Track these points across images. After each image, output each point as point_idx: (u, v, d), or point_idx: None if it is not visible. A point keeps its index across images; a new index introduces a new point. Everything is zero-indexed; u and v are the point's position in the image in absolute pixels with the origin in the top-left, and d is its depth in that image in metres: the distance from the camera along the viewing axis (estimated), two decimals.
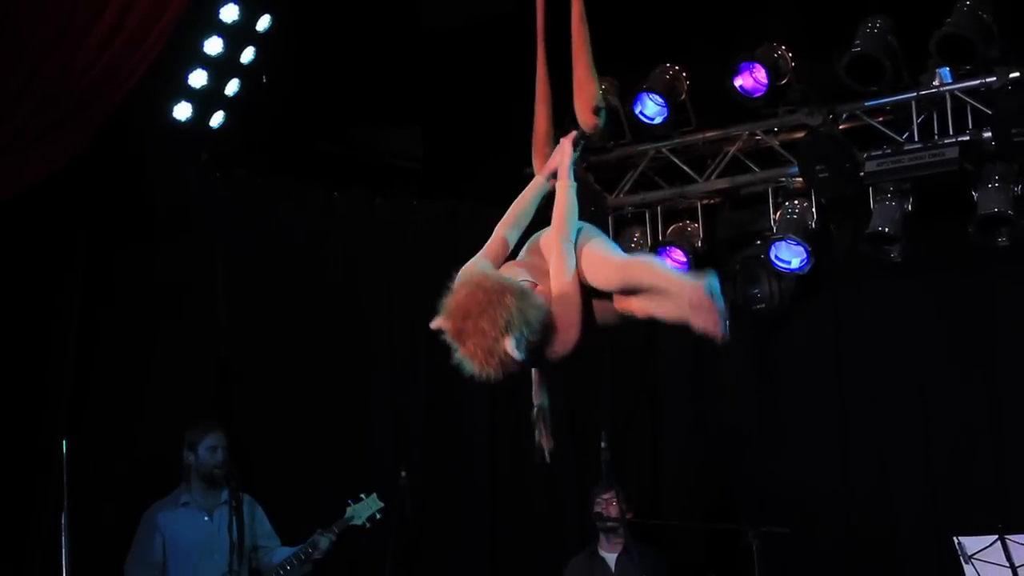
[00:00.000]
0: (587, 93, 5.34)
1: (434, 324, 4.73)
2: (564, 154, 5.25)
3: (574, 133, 5.34)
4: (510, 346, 4.58)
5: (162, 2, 7.57)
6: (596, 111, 5.35)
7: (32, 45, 7.18)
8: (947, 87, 8.70)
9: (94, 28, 7.35)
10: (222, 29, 8.72)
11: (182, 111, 8.73)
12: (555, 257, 4.94)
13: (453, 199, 10.13)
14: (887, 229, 8.97)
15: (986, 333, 9.23)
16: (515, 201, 5.32)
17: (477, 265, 4.95)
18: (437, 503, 9.47)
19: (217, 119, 8.93)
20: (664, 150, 9.83)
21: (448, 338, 4.69)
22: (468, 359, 4.65)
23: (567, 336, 4.85)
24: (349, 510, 8.05)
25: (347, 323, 9.67)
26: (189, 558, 7.82)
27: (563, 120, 5.50)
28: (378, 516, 8.11)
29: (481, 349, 4.61)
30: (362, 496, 8.11)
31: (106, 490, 8.19)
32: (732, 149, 9.65)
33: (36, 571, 7.77)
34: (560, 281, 4.89)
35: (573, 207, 5.09)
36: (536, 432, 5.39)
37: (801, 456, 9.89)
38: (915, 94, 8.81)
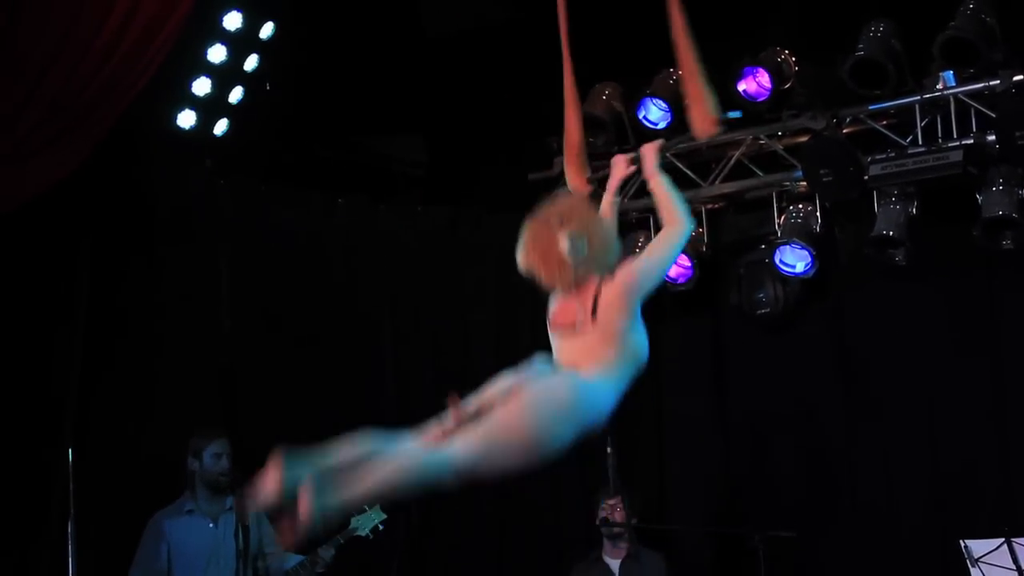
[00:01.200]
0: (705, 103, 5.44)
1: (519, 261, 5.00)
2: (651, 156, 5.38)
3: (660, 142, 5.53)
4: (564, 244, 4.88)
5: (165, 10, 7.59)
6: (718, 122, 5.48)
7: (35, 55, 7.20)
8: (951, 90, 8.69)
9: (97, 37, 7.38)
10: (226, 37, 8.73)
11: (186, 119, 8.75)
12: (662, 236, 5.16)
13: (456, 206, 10.14)
14: (891, 233, 8.97)
15: (991, 336, 9.22)
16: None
17: None
18: (442, 509, 9.47)
19: (221, 127, 8.94)
20: (668, 154, 9.81)
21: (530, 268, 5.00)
22: (536, 270, 4.99)
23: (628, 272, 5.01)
24: (352, 521, 8.05)
25: (351, 329, 9.67)
26: (194, 565, 7.83)
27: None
28: (380, 527, 8.11)
29: (540, 254, 4.95)
30: (365, 507, 8.11)
31: (112, 497, 8.20)
32: (736, 154, 9.65)
33: None
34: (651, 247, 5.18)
35: (675, 190, 5.27)
36: None
37: (806, 460, 9.88)
38: (919, 98, 8.80)
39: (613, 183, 5.45)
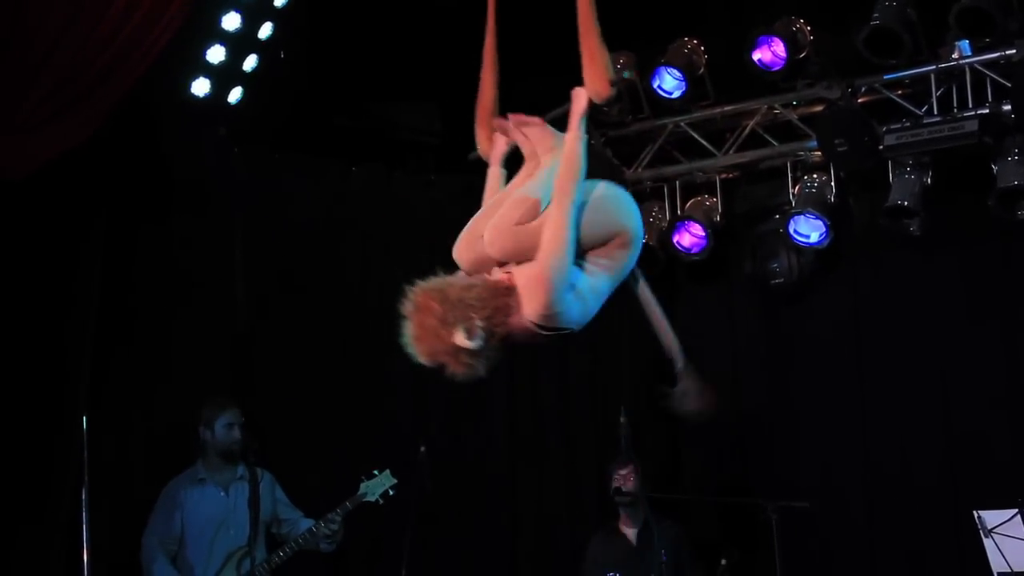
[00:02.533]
0: (600, 64, 5.22)
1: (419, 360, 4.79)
2: (580, 104, 5.12)
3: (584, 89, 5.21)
4: (461, 339, 4.65)
5: None
6: (612, 83, 5.26)
7: (48, 23, 7.18)
8: (966, 60, 8.66)
9: (111, 6, 7.35)
10: (240, 5, 8.72)
11: (200, 87, 8.75)
12: (550, 221, 4.83)
13: (470, 174, 10.07)
14: (906, 203, 8.95)
15: (1006, 306, 9.20)
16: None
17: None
18: (456, 478, 9.49)
19: (235, 95, 8.94)
20: (682, 124, 9.81)
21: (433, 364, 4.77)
22: (457, 374, 4.73)
23: (535, 299, 4.73)
24: (362, 486, 8.08)
25: (364, 297, 9.67)
26: (205, 533, 7.88)
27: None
28: (391, 492, 8.13)
29: (449, 357, 4.70)
30: (375, 472, 8.13)
31: (126, 465, 8.24)
32: (750, 123, 9.64)
33: (57, 545, 7.82)
34: (546, 246, 4.77)
35: (580, 159, 5.01)
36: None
37: (820, 430, 9.88)
38: (934, 67, 8.77)
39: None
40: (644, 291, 5.41)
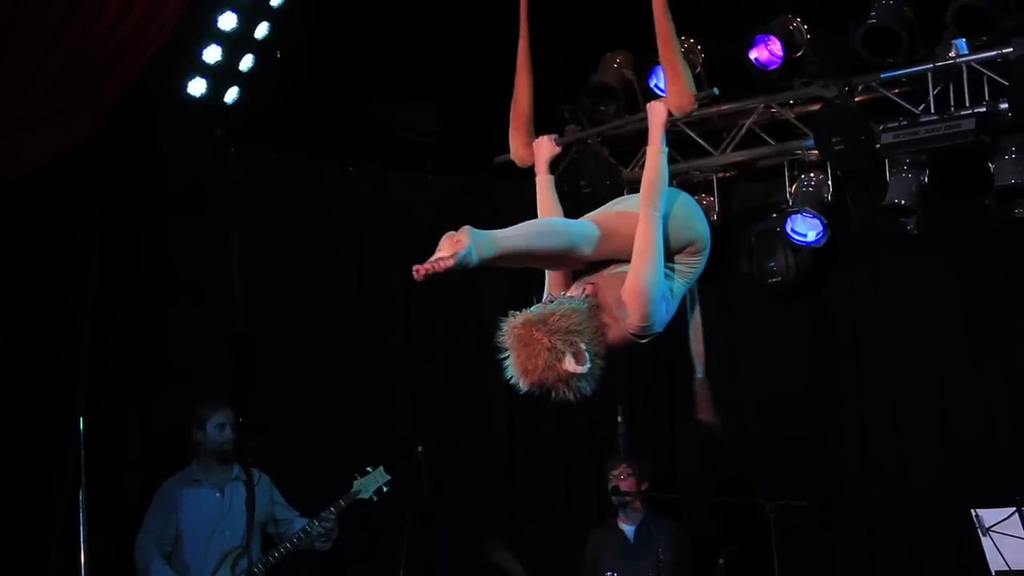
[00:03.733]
0: (683, 78, 5.36)
1: (523, 389, 4.84)
2: (659, 118, 5.27)
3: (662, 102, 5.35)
4: (571, 366, 4.72)
5: None
6: (697, 98, 5.40)
7: (43, 23, 7.17)
8: (963, 58, 8.65)
9: (106, 6, 7.34)
10: (236, 4, 8.71)
11: (196, 87, 8.74)
12: (640, 233, 4.98)
13: (468, 173, 10.11)
14: (903, 201, 8.95)
15: (1003, 305, 9.21)
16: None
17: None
18: (454, 477, 9.49)
19: (231, 95, 8.94)
20: (679, 123, 9.79)
21: (541, 392, 4.83)
22: (560, 394, 4.82)
23: (635, 313, 4.92)
24: (356, 484, 8.07)
25: (362, 297, 9.67)
26: (200, 534, 7.88)
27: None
28: (385, 489, 8.12)
29: (560, 383, 4.77)
30: (368, 469, 8.13)
31: (123, 466, 8.23)
32: (747, 122, 9.63)
33: (55, 546, 7.81)
34: (639, 259, 4.95)
35: (664, 173, 5.12)
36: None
37: (818, 428, 9.89)
38: (931, 66, 8.76)
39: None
40: (695, 302, 5.61)
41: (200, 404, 8.00)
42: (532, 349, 4.74)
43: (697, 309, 5.62)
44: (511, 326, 4.83)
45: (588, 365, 4.76)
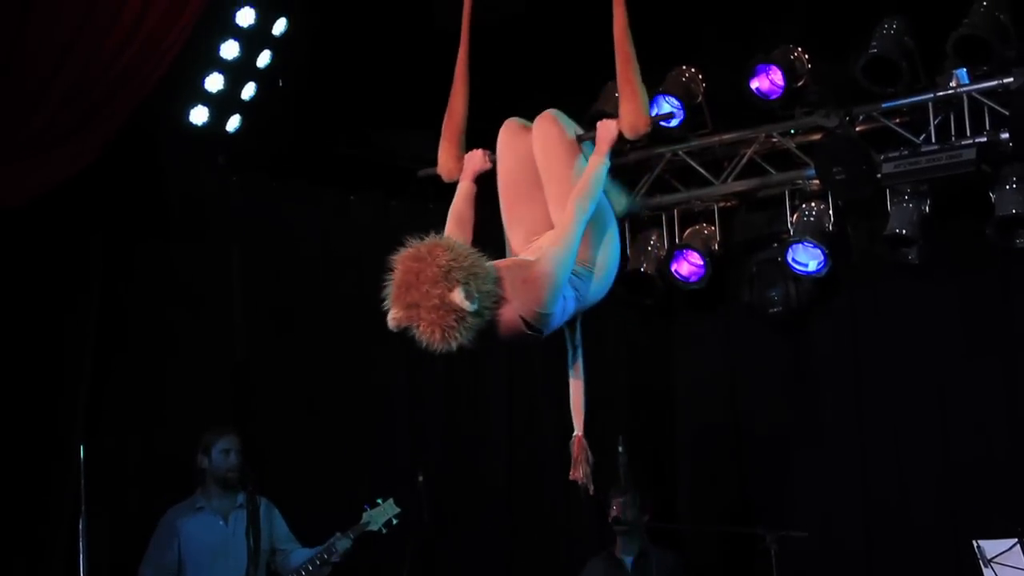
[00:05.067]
0: (639, 100, 5.37)
1: (391, 323, 4.80)
2: (608, 134, 5.30)
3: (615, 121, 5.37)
4: (459, 297, 4.61)
5: (178, 6, 7.59)
6: (650, 122, 5.41)
7: (47, 51, 7.19)
8: (964, 88, 8.67)
9: (110, 33, 7.37)
10: (238, 33, 8.73)
11: (199, 115, 8.75)
12: (562, 224, 5.03)
13: None
14: (904, 231, 8.96)
15: (1004, 335, 9.21)
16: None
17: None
18: (454, 506, 9.47)
19: (233, 123, 8.95)
20: (680, 153, 9.81)
21: (408, 326, 4.76)
22: (429, 336, 4.72)
23: (534, 294, 4.87)
24: (365, 515, 8.04)
25: (363, 326, 9.65)
26: (204, 562, 7.83)
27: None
28: (395, 522, 8.09)
29: (433, 313, 4.67)
30: (379, 501, 8.10)
31: (124, 495, 8.20)
32: (749, 151, 9.64)
33: (55, 574, 7.78)
34: (555, 248, 4.97)
35: (599, 181, 5.16)
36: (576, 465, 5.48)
37: (819, 459, 9.87)
38: (932, 95, 8.78)
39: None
40: (578, 354, 5.46)
41: (206, 431, 7.99)
42: (424, 266, 4.70)
43: (580, 362, 5.47)
44: (415, 242, 4.83)
45: (475, 307, 4.66)
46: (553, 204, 5.28)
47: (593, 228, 5.15)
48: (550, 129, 5.43)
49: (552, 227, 5.21)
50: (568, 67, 9.52)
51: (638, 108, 5.35)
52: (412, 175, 10.44)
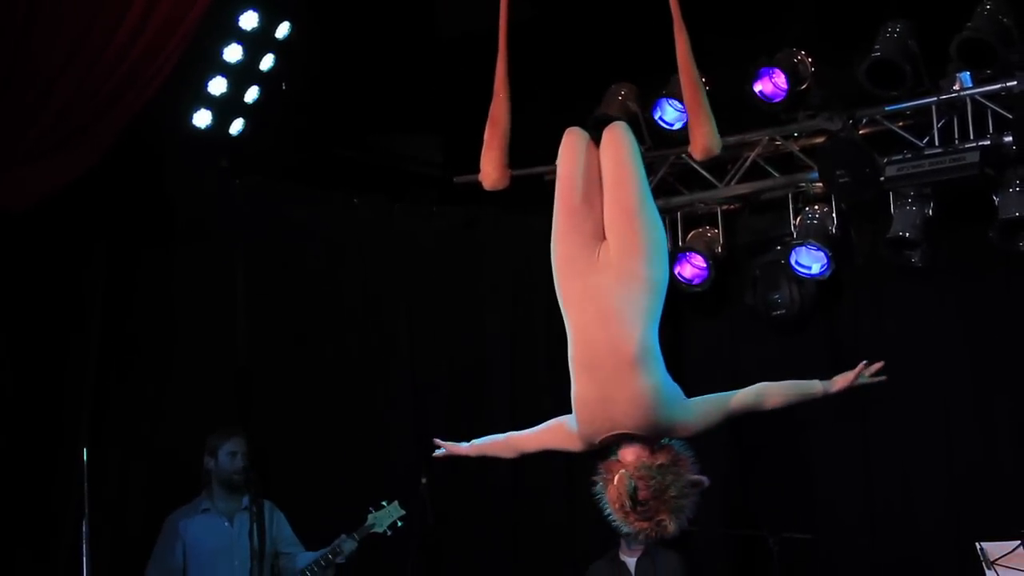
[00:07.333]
0: (711, 125, 5.55)
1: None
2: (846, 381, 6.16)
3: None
4: (672, 527, 5.47)
5: (181, 10, 7.59)
6: (721, 145, 5.68)
7: (50, 55, 7.20)
8: (968, 91, 8.68)
9: (113, 37, 7.38)
10: (241, 36, 8.74)
11: (202, 118, 8.76)
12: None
13: (472, 205, 10.12)
14: (907, 234, 8.95)
15: (1008, 337, 9.19)
16: None
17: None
18: (458, 509, 9.47)
19: (237, 126, 8.95)
20: (684, 155, 9.81)
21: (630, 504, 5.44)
22: (627, 521, 5.52)
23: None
24: (370, 517, 8.04)
25: (367, 329, 9.67)
26: (209, 564, 7.84)
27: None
28: (399, 524, 8.10)
29: (645, 523, 5.48)
30: (383, 504, 8.10)
31: (127, 498, 8.21)
32: (752, 154, 9.65)
33: None
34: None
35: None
36: None
37: (822, 461, 9.86)
38: (935, 99, 8.79)
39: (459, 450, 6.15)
40: None
41: (213, 433, 7.99)
42: (651, 512, 5.50)
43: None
44: (644, 477, 5.54)
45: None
46: (613, 210, 5.50)
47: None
48: (622, 139, 5.61)
49: (606, 233, 5.45)
50: (572, 72, 9.54)
51: (710, 132, 5.54)
52: (415, 178, 10.51)
